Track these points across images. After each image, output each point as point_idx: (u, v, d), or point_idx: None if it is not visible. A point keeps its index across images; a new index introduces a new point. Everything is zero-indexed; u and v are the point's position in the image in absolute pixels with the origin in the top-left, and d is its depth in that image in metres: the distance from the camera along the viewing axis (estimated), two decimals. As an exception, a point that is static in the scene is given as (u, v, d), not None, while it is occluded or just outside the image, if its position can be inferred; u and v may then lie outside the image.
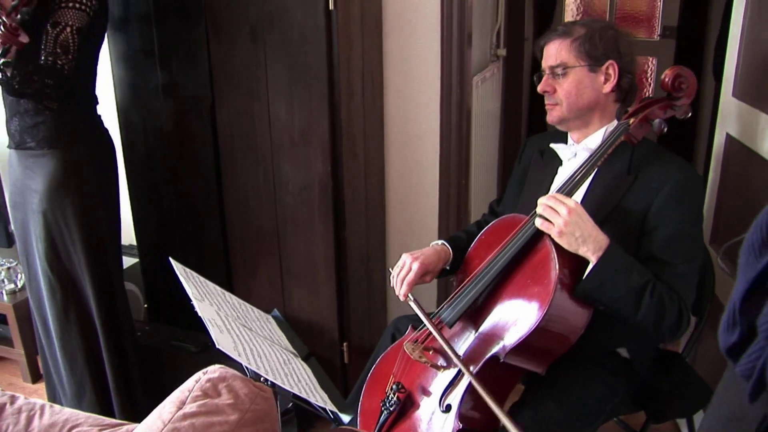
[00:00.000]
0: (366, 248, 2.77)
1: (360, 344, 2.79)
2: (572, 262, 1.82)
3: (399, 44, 2.74)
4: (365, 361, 2.32)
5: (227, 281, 2.81)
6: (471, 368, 1.85)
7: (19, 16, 2.13)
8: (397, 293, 2.07)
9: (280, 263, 2.70)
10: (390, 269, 2.12)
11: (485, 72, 3.39)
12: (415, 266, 2.04)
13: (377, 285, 2.87)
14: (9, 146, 2.48)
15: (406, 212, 2.92)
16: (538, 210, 1.80)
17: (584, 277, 1.77)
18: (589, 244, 1.74)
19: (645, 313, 1.76)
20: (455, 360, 1.82)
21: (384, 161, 2.88)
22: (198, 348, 2.81)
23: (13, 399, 1.67)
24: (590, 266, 1.76)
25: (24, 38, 2.09)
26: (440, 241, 2.19)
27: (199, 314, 1.76)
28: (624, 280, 1.75)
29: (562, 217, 1.74)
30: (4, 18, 2.06)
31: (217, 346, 1.62)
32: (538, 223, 1.80)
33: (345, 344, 2.74)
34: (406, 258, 2.07)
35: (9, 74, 2.20)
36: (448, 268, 2.17)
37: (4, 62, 2.17)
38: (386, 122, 2.84)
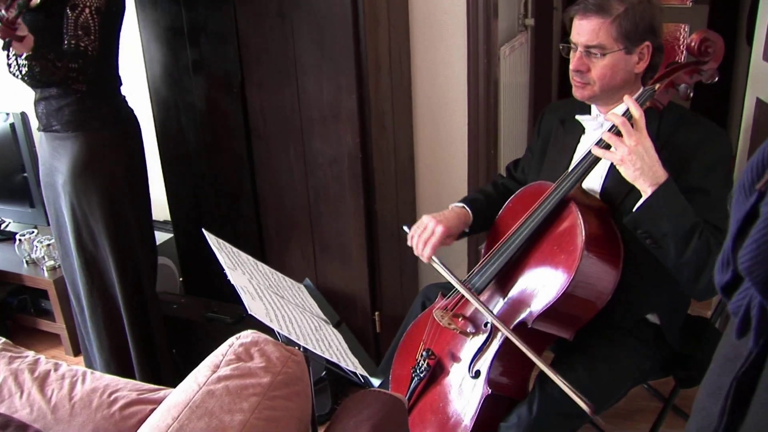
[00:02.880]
0: (396, 219, 2.80)
1: (392, 313, 2.83)
2: (599, 227, 1.84)
3: (425, 16, 2.75)
4: (397, 329, 2.36)
5: (260, 255, 2.86)
6: (499, 335, 1.89)
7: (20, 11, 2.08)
8: (417, 254, 2.09)
9: (312, 236, 2.74)
10: (405, 227, 2.14)
11: (513, 42, 3.38)
12: (439, 229, 2.06)
13: (408, 255, 2.89)
14: (38, 129, 2.55)
15: (436, 183, 2.95)
16: (603, 137, 1.78)
17: (636, 207, 1.76)
18: (647, 177, 1.73)
19: (690, 256, 1.73)
20: (488, 315, 1.86)
21: (413, 133, 2.90)
22: (233, 319, 2.86)
23: (56, 366, 1.73)
24: (643, 198, 1.74)
25: (23, 31, 2.11)
26: (459, 204, 2.21)
27: (232, 282, 1.80)
28: (676, 216, 1.72)
29: (627, 145, 1.72)
30: (3, 11, 2.06)
31: (249, 312, 1.67)
32: (597, 151, 1.79)
33: (377, 314, 2.78)
34: (428, 221, 2.09)
35: (28, 67, 2.26)
36: (467, 230, 2.20)
37: (26, 56, 2.22)
38: (414, 94, 2.86)
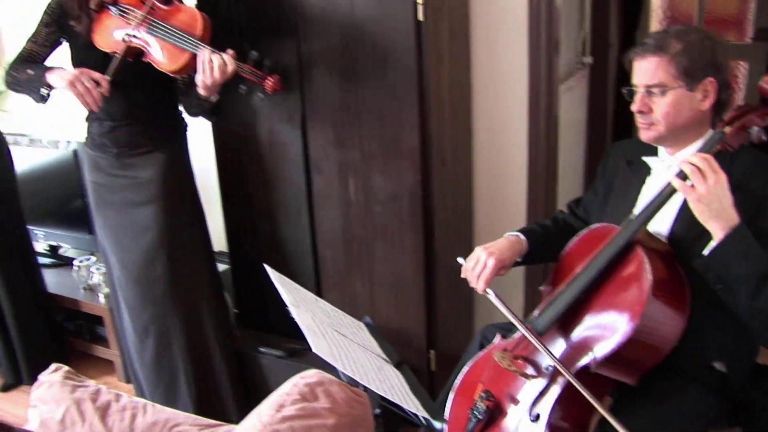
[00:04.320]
0: (454, 256, 2.78)
1: (447, 352, 2.80)
2: (665, 272, 1.80)
3: (486, 53, 2.75)
4: (451, 368, 2.33)
5: (317, 289, 2.86)
6: (560, 379, 1.86)
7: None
8: (472, 286, 2.09)
9: (369, 271, 2.74)
10: (459, 259, 2.13)
11: (571, 80, 3.37)
12: (491, 262, 2.06)
13: (464, 293, 2.88)
14: (109, 153, 2.63)
15: (494, 220, 2.93)
16: (684, 168, 1.74)
17: (709, 250, 1.72)
18: (721, 219, 1.69)
19: (763, 303, 1.68)
20: (550, 358, 1.82)
21: (471, 170, 2.89)
22: (285, 353, 2.87)
23: (117, 397, 1.74)
24: (715, 241, 1.70)
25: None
26: (514, 233, 2.20)
27: (296, 320, 1.80)
28: (749, 260, 1.68)
29: (707, 184, 1.69)
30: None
31: (313, 351, 1.66)
32: (676, 183, 1.74)
33: (432, 352, 2.76)
34: (480, 253, 2.09)
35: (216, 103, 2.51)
36: (519, 260, 2.18)
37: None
38: (474, 131, 2.85)
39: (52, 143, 3.75)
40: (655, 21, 5.05)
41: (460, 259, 2.14)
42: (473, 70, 2.79)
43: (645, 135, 1.95)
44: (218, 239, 3.16)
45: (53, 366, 1.76)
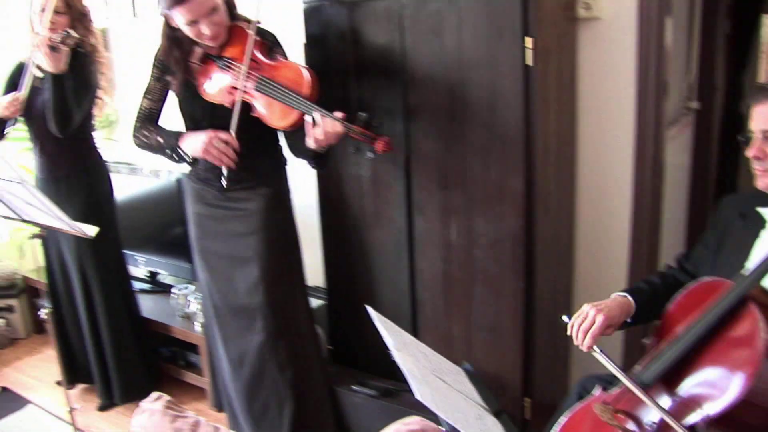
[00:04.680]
0: (553, 304, 2.74)
1: (542, 401, 2.74)
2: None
3: (593, 98, 2.73)
4: (546, 417, 2.28)
5: (413, 329, 2.85)
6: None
7: None
8: (577, 343, 2.02)
9: (467, 314, 2.71)
10: (564, 317, 2.07)
11: (677, 126, 3.29)
12: (600, 319, 1.99)
13: (562, 341, 2.82)
14: (214, 187, 2.70)
15: (595, 268, 2.87)
16: None
17: None
18: None
19: None
20: (660, 413, 1.76)
21: (573, 217, 2.85)
22: (379, 393, 2.86)
23: (216, 430, 1.76)
24: None
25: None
26: (622, 293, 2.13)
27: (399, 364, 1.79)
28: None
29: None
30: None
31: (416, 397, 1.65)
32: None
33: (527, 399, 2.71)
34: (589, 309, 2.02)
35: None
36: (629, 320, 2.11)
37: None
38: (577, 177, 2.82)
39: (154, 173, 3.87)
40: (764, 64, 4.90)
41: (564, 318, 2.09)
42: (579, 115, 2.76)
43: (761, 182, 1.90)
44: (315, 274, 3.19)
45: (155, 394, 1.79)
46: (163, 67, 2.64)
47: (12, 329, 4.48)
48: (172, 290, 3.65)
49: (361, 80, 2.73)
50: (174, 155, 2.60)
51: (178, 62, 2.57)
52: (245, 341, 2.77)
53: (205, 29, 2.42)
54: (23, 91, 3.03)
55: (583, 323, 2.01)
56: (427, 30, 2.54)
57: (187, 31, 2.46)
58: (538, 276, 2.57)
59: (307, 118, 2.36)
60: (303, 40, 2.83)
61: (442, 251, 2.71)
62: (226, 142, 2.45)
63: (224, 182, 2.53)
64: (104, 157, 3.47)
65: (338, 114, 2.34)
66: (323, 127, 2.32)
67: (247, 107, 2.48)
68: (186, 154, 2.58)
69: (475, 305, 2.69)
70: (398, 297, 2.88)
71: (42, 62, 2.95)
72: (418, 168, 2.69)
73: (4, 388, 3.85)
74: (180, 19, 2.41)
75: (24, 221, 2.47)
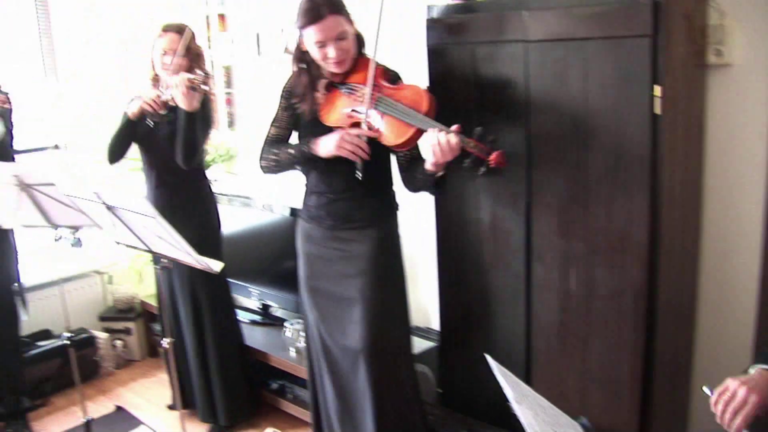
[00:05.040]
0: (674, 360, 2.64)
1: (659, 460, 2.64)
2: None
3: (721, 146, 2.64)
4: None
5: (526, 378, 2.79)
6: None
7: None
8: (722, 422, 1.84)
9: (583, 366, 2.64)
10: (705, 389, 1.94)
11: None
12: (753, 399, 1.79)
13: (681, 399, 2.72)
14: (323, 225, 2.76)
15: (718, 324, 2.75)
16: None
17: None
18: None
19: None
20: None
21: (698, 270, 2.76)
22: (488, 441, 2.83)
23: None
24: None
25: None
26: (765, 365, 1.99)
27: (518, 417, 1.76)
28: None
29: None
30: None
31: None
32: None
33: (643, 457, 2.61)
34: (737, 387, 1.82)
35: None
36: None
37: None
38: (702, 230, 2.73)
39: (267, 206, 3.97)
40: None
41: (705, 389, 1.93)
42: (706, 163, 2.67)
43: None
44: (426, 315, 3.19)
45: (269, 430, 1.82)
46: (290, 96, 2.74)
47: (128, 351, 4.65)
48: (285, 324, 3.70)
49: (483, 124, 2.72)
50: (303, 160, 2.67)
51: (305, 87, 2.66)
52: (349, 380, 2.79)
53: (332, 52, 2.52)
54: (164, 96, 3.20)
55: (732, 402, 1.82)
56: (552, 75, 2.53)
57: (315, 52, 2.56)
58: (660, 329, 2.49)
59: (426, 135, 2.39)
60: (426, 81, 2.85)
61: (560, 300, 2.66)
62: (358, 136, 2.49)
63: (359, 174, 2.56)
64: (214, 189, 3.62)
65: (454, 127, 2.36)
66: (439, 140, 2.34)
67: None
68: (318, 158, 2.62)
69: (592, 356, 2.62)
70: (513, 343, 2.83)
71: (178, 100, 3.09)
72: (539, 215, 2.66)
73: (119, 408, 3.99)
74: (310, 38, 2.53)
75: (153, 253, 2.56)
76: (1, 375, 3.66)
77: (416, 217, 2.89)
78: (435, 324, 3.47)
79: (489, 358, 1.99)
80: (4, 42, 4.43)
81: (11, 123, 3.35)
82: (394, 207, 2.83)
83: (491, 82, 2.70)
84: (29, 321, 4.05)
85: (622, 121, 2.39)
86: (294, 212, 3.76)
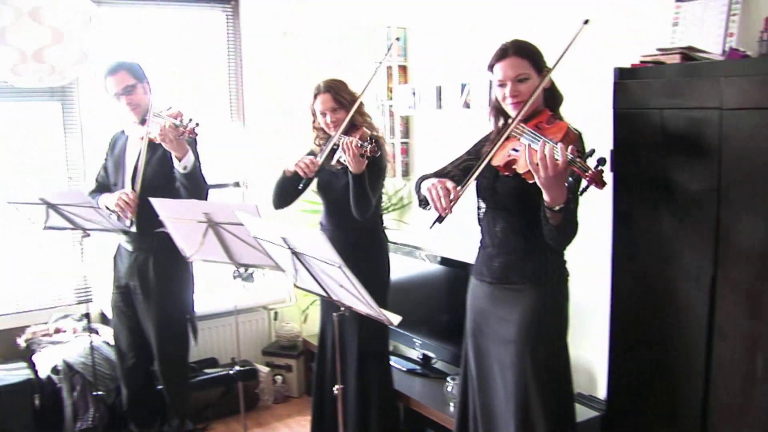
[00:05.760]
0: None
1: None
2: None
3: None
4: None
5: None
6: None
7: None
8: None
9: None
10: None
11: None
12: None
13: None
14: (485, 281, 2.73)
15: None
16: None
17: None
18: None
19: None
20: None
21: None
22: None
23: None
24: None
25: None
26: None
27: None
28: None
29: None
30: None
31: None
32: None
33: None
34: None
35: None
36: None
37: None
38: None
39: (431, 257, 3.99)
40: None
41: None
42: None
43: None
44: (590, 381, 3.09)
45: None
46: (482, 143, 2.78)
47: (287, 387, 4.78)
48: (448, 378, 3.68)
49: (670, 195, 2.64)
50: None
51: (499, 132, 2.63)
52: None
53: (509, 91, 2.55)
54: (320, 159, 3.32)
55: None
56: (748, 141, 2.41)
57: (497, 92, 2.61)
58: None
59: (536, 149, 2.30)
60: (610, 145, 2.80)
61: (744, 383, 2.49)
62: (447, 189, 2.45)
63: (434, 224, 2.52)
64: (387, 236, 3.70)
65: (562, 145, 2.26)
66: (543, 152, 2.25)
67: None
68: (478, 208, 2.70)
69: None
70: (687, 423, 2.69)
71: (347, 162, 3.21)
72: (725, 292, 2.53)
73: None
74: (495, 78, 2.59)
75: (331, 299, 2.62)
76: (171, 397, 3.86)
77: (589, 272, 2.78)
78: (600, 392, 3.36)
79: None
80: (198, 87, 4.82)
81: (197, 153, 3.55)
82: (559, 268, 2.72)
83: (681, 150, 2.61)
84: (198, 348, 4.26)
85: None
86: (459, 265, 3.79)
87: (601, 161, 2.21)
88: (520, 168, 2.42)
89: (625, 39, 3.12)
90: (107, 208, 3.54)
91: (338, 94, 3.37)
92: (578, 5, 3.27)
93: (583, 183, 2.25)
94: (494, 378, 2.73)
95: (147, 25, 4.63)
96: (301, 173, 3.33)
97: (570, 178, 2.29)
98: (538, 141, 2.36)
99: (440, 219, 2.48)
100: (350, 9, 4.90)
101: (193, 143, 3.53)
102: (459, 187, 2.50)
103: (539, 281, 2.65)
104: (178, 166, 3.42)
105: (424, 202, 2.65)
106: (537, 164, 2.27)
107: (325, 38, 4.91)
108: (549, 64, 2.57)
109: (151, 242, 3.55)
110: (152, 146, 3.49)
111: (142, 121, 3.53)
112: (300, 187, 3.46)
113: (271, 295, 4.83)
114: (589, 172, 2.20)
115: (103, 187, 3.75)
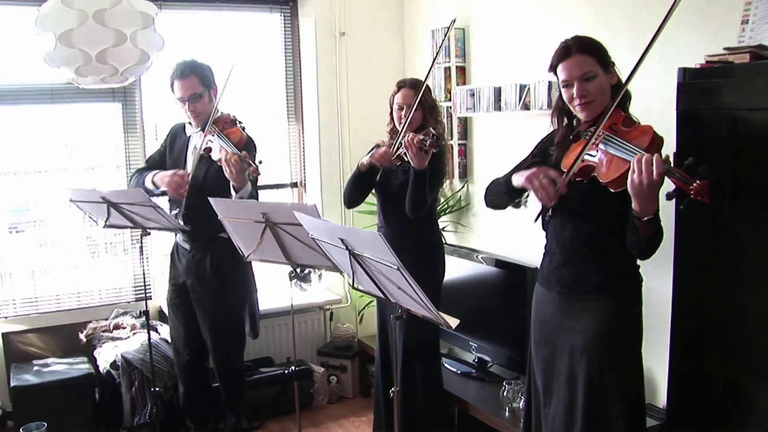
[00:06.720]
0: None
1: None
2: None
3: None
4: None
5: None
6: None
7: None
8: None
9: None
10: None
11: None
12: None
13: None
14: (553, 289, 2.65)
15: None
16: None
17: None
18: None
19: None
20: None
21: None
22: None
23: None
24: None
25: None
26: None
27: None
28: None
29: None
30: None
31: None
32: None
33: None
34: None
35: None
36: None
37: None
38: None
39: (487, 260, 3.95)
40: None
41: None
42: None
43: None
44: (649, 388, 3.00)
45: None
46: (543, 144, 2.74)
47: (341, 387, 4.77)
48: (504, 383, 3.63)
49: (739, 198, 2.55)
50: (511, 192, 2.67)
51: (564, 136, 2.60)
52: None
53: (576, 92, 2.46)
54: (392, 150, 3.35)
55: None
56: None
57: (564, 93, 2.53)
58: None
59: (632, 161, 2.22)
60: (674, 149, 2.72)
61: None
62: (554, 182, 2.41)
63: (538, 217, 2.51)
64: (442, 238, 3.71)
65: (658, 156, 2.17)
66: (642, 164, 2.16)
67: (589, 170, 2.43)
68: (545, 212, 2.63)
69: None
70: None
71: (409, 158, 3.23)
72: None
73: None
74: (559, 78, 2.52)
75: (389, 300, 2.60)
76: (227, 395, 3.89)
77: (647, 274, 2.68)
78: (659, 400, 3.29)
79: None
80: (258, 92, 4.87)
81: (257, 190, 3.58)
82: (632, 275, 2.62)
83: (751, 154, 2.52)
84: (254, 347, 4.28)
85: None
86: (516, 268, 3.76)
87: (703, 171, 2.09)
88: (605, 177, 2.34)
89: (690, 38, 3.03)
90: (154, 184, 3.60)
91: (422, 93, 3.38)
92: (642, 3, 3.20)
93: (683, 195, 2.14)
94: (558, 392, 2.65)
95: (206, 28, 4.70)
96: (378, 164, 3.39)
97: (670, 192, 2.18)
98: (624, 148, 2.29)
99: (546, 210, 2.44)
100: (408, 9, 4.89)
101: (255, 181, 3.54)
102: (564, 176, 2.43)
103: (611, 291, 2.56)
104: (235, 195, 3.42)
105: (511, 197, 2.66)
106: (632, 176, 2.19)
107: (383, 39, 4.92)
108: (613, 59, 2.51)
109: (209, 241, 3.59)
110: (209, 158, 3.51)
111: (203, 128, 3.55)
112: (377, 179, 3.52)
113: (327, 295, 4.85)
114: (694, 185, 2.08)
115: (152, 169, 3.77)
